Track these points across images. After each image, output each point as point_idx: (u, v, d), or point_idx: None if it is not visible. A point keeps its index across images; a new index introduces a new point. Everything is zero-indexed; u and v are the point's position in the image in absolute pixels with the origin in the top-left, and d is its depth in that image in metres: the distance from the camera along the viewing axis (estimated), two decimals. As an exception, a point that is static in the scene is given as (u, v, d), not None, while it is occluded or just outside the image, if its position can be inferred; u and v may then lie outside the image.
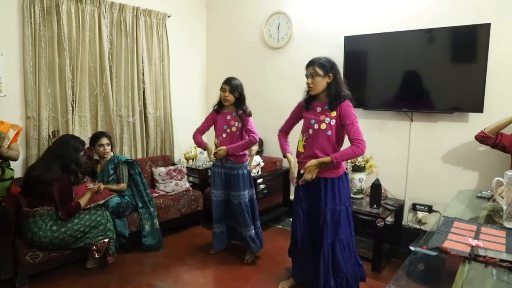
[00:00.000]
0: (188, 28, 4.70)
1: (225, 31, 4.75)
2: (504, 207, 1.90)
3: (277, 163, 4.17)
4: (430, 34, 3.13)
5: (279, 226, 4.05)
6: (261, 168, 4.03)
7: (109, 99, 3.76)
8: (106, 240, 2.94)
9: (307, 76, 2.35)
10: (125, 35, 3.87)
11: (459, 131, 3.15)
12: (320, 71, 2.28)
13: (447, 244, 1.61)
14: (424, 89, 3.19)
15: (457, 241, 1.65)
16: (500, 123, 2.70)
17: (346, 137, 2.35)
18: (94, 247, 2.89)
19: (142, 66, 4.07)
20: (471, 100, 2.97)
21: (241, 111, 3.01)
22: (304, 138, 2.42)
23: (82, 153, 2.99)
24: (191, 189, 4.00)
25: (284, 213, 4.19)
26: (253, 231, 3.11)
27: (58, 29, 3.33)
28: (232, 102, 3.04)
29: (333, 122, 2.31)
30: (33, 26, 3.20)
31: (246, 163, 3.13)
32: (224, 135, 3.06)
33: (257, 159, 4.00)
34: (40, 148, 3.32)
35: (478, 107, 2.93)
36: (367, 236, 3.54)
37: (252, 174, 3.80)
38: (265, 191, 3.87)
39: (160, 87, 4.29)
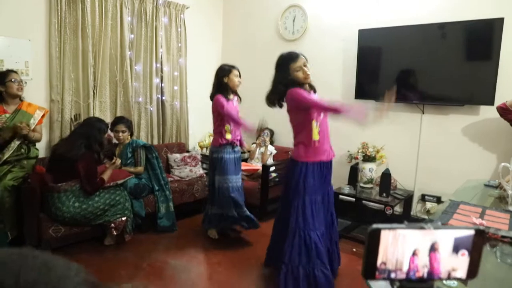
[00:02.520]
0: (205, 20, 4.82)
1: (242, 23, 4.85)
2: (510, 192, 1.96)
3: (289, 152, 4.26)
4: (443, 28, 3.18)
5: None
6: (273, 156, 4.14)
7: (128, 86, 3.90)
8: (124, 218, 3.08)
9: (298, 68, 2.36)
10: (145, 25, 4.00)
11: (470, 124, 3.20)
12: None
13: (451, 222, 1.69)
14: (436, 82, 3.24)
15: (462, 220, 1.73)
16: None
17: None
18: (113, 224, 3.03)
19: (161, 55, 4.20)
20: (483, 92, 3.02)
21: (238, 97, 3.19)
22: (318, 124, 2.40)
23: (106, 135, 3.14)
24: (205, 175, 4.11)
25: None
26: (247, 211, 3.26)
27: (82, 17, 3.47)
28: None
29: None
30: (59, 13, 3.35)
31: None
32: None
33: (270, 148, 4.12)
34: (62, 131, 3.47)
35: (489, 100, 2.98)
36: (376, 225, 3.62)
37: (268, 163, 3.93)
38: (277, 179, 3.96)
39: (177, 77, 4.42)
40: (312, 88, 2.47)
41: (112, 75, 3.81)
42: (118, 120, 3.49)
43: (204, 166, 4.34)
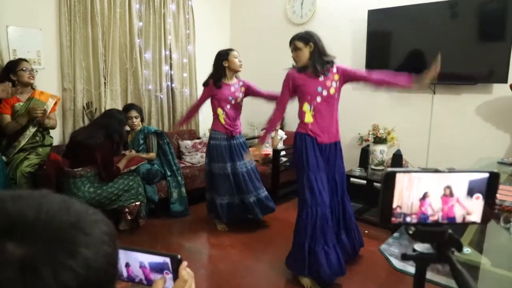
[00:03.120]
0: (213, 6, 4.81)
1: (249, 8, 4.83)
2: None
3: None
4: (455, 6, 3.12)
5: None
6: (284, 141, 4.15)
7: (138, 74, 3.93)
8: (137, 203, 3.13)
9: (292, 53, 2.45)
10: (153, 12, 4.01)
11: (483, 103, 3.16)
12: (299, 44, 2.38)
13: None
14: (447, 61, 3.18)
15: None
16: None
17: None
18: (127, 209, 3.09)
19: (169, 42, 4.21)
20: (496, 70, 2.97)
21: (242, 82, 3.15)
22: (312, 107, 2.38)
23: (125, 126, 3.20)
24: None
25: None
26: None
27: (91, 5, 3.50)
28: None
29: (338, 84, 2.43)
30: (69, 2, 3.37)
31: None
32: (228, 106, 3.11)
33: (280, 133, 4.13)
34: (75, 119, 3.53)
35: (503, 78, 2.93)
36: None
37: (279, 147, 3.94)
38: (287, 163, 3.98)
39: (186, 64, 4.43)
40: (324, 66, 2.39)
41: (122, 63, 3.84)
42: (129, 107, 3.53)
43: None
